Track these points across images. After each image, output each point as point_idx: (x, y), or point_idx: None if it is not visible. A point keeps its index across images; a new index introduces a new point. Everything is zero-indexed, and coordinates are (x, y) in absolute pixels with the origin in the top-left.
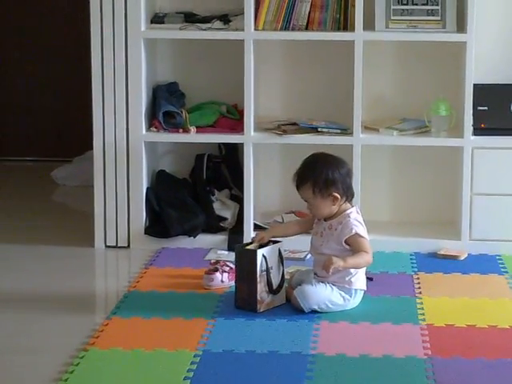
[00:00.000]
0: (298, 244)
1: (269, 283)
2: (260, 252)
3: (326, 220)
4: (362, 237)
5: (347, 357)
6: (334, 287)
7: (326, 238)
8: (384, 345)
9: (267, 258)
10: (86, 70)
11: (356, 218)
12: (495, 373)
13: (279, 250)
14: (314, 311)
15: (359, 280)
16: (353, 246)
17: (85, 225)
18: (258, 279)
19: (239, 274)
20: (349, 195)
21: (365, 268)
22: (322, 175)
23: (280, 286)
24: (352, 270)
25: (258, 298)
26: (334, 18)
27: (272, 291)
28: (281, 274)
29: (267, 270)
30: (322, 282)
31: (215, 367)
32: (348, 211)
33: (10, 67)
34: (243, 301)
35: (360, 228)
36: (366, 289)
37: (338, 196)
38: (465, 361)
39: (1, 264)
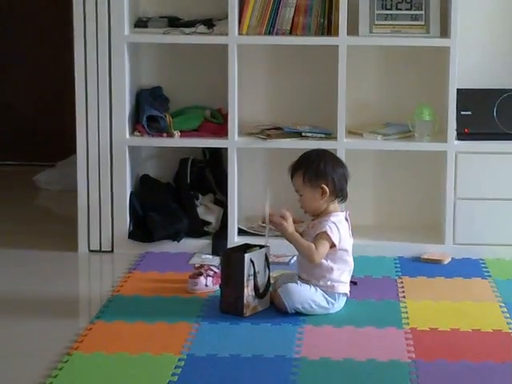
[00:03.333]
0: (282, 248)
1: (256, 287)
2: (248, 256)
3: (312, 220)
4: (327, 238)
5: (331, 360)
6: (318, 289)
7: (305, 237)
8: (368, 349)
9: (254, 262)
10: (70, 74)
11: (336, 222)
12: (478, 376)
13: (266, 254)
14: (297, 313)
15: (342, 284)
16: (314, 239)
17: (68, 229)
18: (245, 283)
19: (225, 278)
20: (339, 195)
21: (349, 272)
22: (314, 165)
23: (266, 289)
24: (335, 275)
25: (245, 301)
26: (318, 23)
27: (259, 295)
28: (267, 277)
29: (254, 274)
30: (307, 284)
31: (199, 371)
32: (334, 213)
33: None
34: (229, 305)
35: (333, 232)
36: (348, 294)
37: (327, 189)
38: (448, 364)
39: None
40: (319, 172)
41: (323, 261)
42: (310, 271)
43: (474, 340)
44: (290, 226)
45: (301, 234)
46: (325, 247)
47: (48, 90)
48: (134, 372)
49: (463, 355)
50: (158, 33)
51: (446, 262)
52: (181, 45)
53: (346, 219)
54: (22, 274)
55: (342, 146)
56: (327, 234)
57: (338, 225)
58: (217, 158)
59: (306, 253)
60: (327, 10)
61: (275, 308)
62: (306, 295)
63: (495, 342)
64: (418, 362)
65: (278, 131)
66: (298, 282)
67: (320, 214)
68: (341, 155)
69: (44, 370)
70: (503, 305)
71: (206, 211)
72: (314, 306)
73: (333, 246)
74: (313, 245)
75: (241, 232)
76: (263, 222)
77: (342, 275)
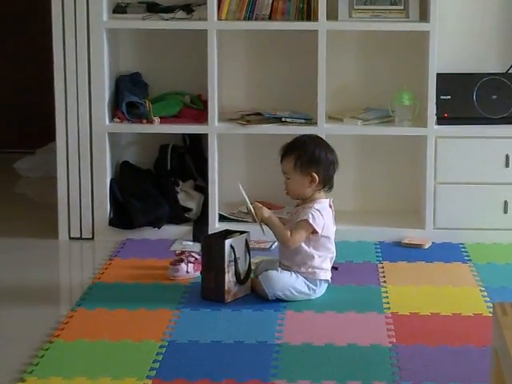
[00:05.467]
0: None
1: (236, 273)
2: (228, 242)
3: (296, 206)
4: (306, 226)
5: (312, 346)
6: (299, 275)
7: (289, 223)
8: (349, 333)
9: (235, 248)
10: (48, 61)
11: (320, 209)
12: (459, 360)
13: (246, 240)
14: (278, 299)
15: (323, 271)
16: (294, 225)
17: (48, 216)
18: (226, 269)
19: (206, 264)
20: (327, 184)
21: (330, 259)
22: (308, 151)
23: (247, 275)
24: (316, 262)
25: (226, 288)
26: (297, 8)
27: (240, 281)
28: (247, 263)
29: (235, 260)
30: (288, 271)
31: (181, 357)
32: (318, 200)
33: None
34: (210, 291)
35: (316, 219)
36: (330, 280)
37: (317, 178)
38: (429, 348)
39: None
40: (312, 159)
41: (305, 247)
42: (292, 258)
43: (455, 324)
44: (264, 212)
45: (284, 223)
46: (300, 235)
47: (26, 77)
48: (115, 358)
49: (444, 339)
50: (136, 18)
51: (426, 246)
52: (160, 30)
53: (330, 206)
54: (2, 262)
55: (322, 131)
56: (308, 222)
57: (322, 212)
58: (197, 144)
59: (281, 238)
60: None
61: (256, 294)
62: (286, 282)
63: (475, 325)
64: (399, 346)
65: (258, 117)
66: (279, 268)
67: (305, 201)
68: None
69: (25, 357)
70: (483, 289)
71: (186, 197)
72: (295, 292)
73: (314, 232)
74: (288, 231)
75: (221, 218)
76: (247, 210)
77: (323, 262)
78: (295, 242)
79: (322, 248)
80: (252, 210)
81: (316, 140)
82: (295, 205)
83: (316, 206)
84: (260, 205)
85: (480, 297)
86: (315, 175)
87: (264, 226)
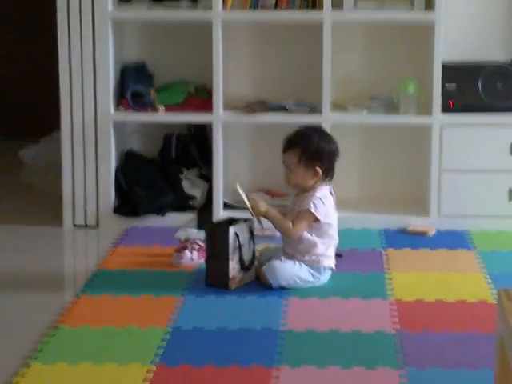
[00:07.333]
0: (267, 221)
1: (241, 260)
2: (232, 229)
3: (297, 195)
4: (308, 215)
5: (316, 332)
6: (302, 264)
7: (291, 213)
8: (353, 320)
9: (239, 235)
10: (54, 50)
11: (321, 197)
12: (462, 346)
13: (250, 227)
14: (282, 287)
15: (327, 258)
16: (295, 215)
17: (53, 204)
18: (230, 256)
19: (210, 251)
20: (329, 175)
21: (334, 247)
22: (313, 145)
23: (251, 262)
24: (320, 250)
25: (230, 275)
26: None
27: (244, 268)
28: (252, 250)
29: (239, 247)
30: (291, 259)
31: (185, 344)
32: (319, 188)
33: None
34: (214, 278)
35: (318, 208)
36: (334, 267)
37: (320, 172)
38: (433, 335)
39: None
40: (317, 154)
41: (308, 236)
42: (295, 246)
43: (459, 311)
44: (262, 206)
45: (284, 215)
46: (302, 225)
47: (32, 66)
48: (120, 345)
49: (448, 326)
50: (141, 8)
51: (430, 233)
52: (165, 20)
53: (331, 193)
54: (8, 249)
55: (326, 119)
56: (309, 212)
57: (324, 199)
58: (201, 133)
59: (283, 229)
60: None
61: (260, 282)
62: (290, 272)
63: (480, 312)
64: (403, 332)
65: (263, 105)
66: (282, 257)
67: (305, 191)
68: (326, 129)
69: (30, 343)
70: (488, 276)
71: (191, 185)
72: (299, 281)
73: (316, 220)
74: (289, 222)
75: (226, 206)
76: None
77: (327, 249)
78: (297, 232)
79: (324, 235)
80: (249, 206)
81: (319, 133)
82: (295, 193)
83: (317, 193)
84: (257, 199)
85: (484, 284)
86: (319, 169)
87: (262, 219)
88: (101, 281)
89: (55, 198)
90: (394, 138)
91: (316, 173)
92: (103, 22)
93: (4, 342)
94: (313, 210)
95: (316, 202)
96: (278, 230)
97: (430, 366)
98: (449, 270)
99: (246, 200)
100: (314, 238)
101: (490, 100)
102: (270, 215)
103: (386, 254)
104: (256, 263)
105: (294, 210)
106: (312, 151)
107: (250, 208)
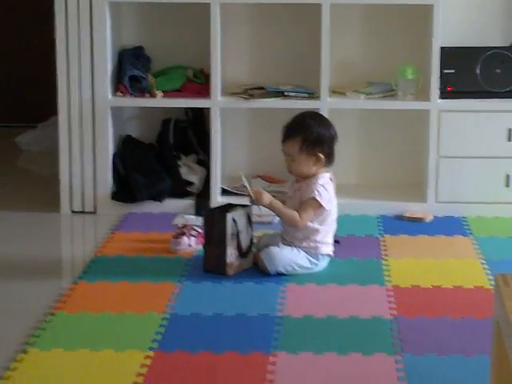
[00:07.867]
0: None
1: (239, 247)
2: (230, 215)
3: (297, 182)
4: (314, 204)
5: (314, 318)
6: (300, 250)
7: (292, 200)
8: (350, 306)
9: (237, 221)
10: (51, 34)
11: (324, 184)
12: (459, 331)
13: (248, 213)
14: (280, 274)
15: (326, 245)
16: (300, 205)
17: (50, 190)
18: (228, 242)
19: (208, 237)
20: (330, 160)
21: (332, 233)
22: (313, 133)
23: (249, 249)
24: (319, 237)
25: (228, 261)
26: None
27: (242, 254)
28: (250, 237)
29: (237, 234)
30: (289, 245)
31: (183, 330)
32: (320, 175)
33: None
34: (212, 264)
35: (322, 195)
36: (332, 254)
37: (322, 158)
38: (430, 320)
39: None
40: (319, 141)
41: (309, 223)
42: (294, 233)
43: (456, 297)
44: (265, 197)
45: (283, 202)
46: (309, 214)
47: (29, 52)
48: (117, 331)
49: (445, 311)
50: None
51: (428, 220)
52: (162, 3)
53: (331, 179)
54: (5, 235)
55: (325, 105)
56: (315, 200)
57: (326, 186)
58: (199, 118)
59: (289, 221)
60: None
61: (258, 269)
62: (288, 258)
63: (476, 298)
64: (400, 318)
65: (261, 91)
66: (280, 244)
67: (306, 178)
68: (324, 114)
69: (27, 329)
70: (484, 262)
71: (188, 171)
72: (296, 267)
73: (320, 206)
74: (296, 213)
75: (224, 192)
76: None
77: (326, 236)
78: (304, 222)
79: (325, 222)
80: (253, 196)
81: (317, 119)
82: (295, 180)
83: (319, 181)
84: (261, 190)
85: (481, 270)
86: (320, 155)
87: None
88: (98, 267)
89: (53, 183)
90: (392, 124)
91: (318, 159)
92: (101, 6)
93: (1, 328)
94: (318, 198)
95: (319, 189)
96: (284, 222)
97: (426, 352)
98: (446, 256)
99: (249, 190)
100: (315, 225)
101: (489, 85)
102: (274, 207)
103: (384, 241)
104: (254, 249)
105: (293, 197)
106: (313, 139)
107: (253, 199)
